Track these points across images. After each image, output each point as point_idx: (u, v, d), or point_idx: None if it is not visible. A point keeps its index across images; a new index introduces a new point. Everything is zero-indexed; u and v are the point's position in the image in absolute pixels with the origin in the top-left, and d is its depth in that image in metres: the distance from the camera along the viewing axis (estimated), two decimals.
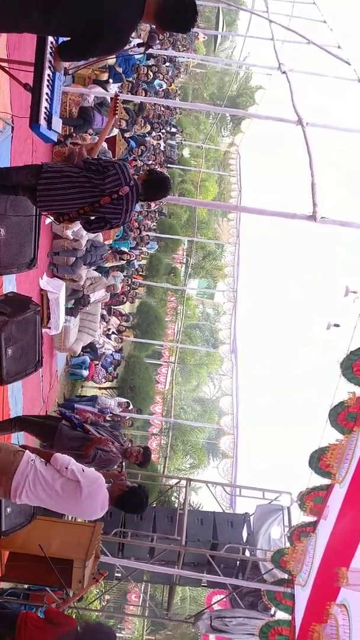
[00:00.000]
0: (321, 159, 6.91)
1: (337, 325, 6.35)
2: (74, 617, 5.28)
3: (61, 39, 3.27)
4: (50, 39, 3.35)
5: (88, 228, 4.44)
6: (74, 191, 4.09)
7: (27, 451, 4.39)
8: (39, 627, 4.82)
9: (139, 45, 3.67)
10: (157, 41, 11.59)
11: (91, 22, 2.91)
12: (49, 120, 3.48)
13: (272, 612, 8.61)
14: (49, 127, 3.49)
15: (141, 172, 5.70)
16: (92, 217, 4.31)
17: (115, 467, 6.04)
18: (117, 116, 4.60)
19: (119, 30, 3.04)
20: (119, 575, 10.19)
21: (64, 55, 3.30)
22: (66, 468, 4.27)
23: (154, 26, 3.15)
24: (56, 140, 3.84)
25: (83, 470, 4.34)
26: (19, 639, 4.74)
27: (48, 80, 3.40)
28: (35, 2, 2.78)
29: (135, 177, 4.27)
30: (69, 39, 3.15)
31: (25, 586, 8.80)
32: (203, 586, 10.79)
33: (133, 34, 9.43)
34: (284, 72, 9.33)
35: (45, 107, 3.42)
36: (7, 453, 4.31)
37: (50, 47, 3.35)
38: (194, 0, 3.08)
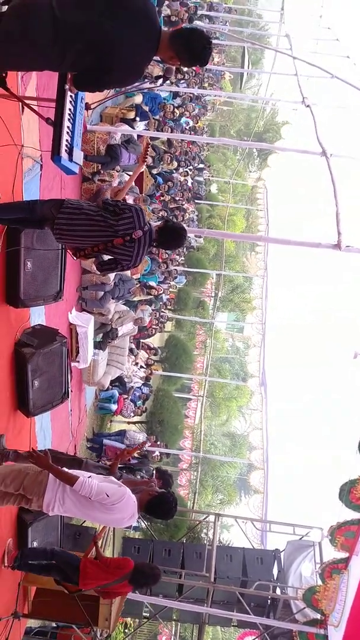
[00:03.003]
0: (345, 189, 6.94)
1: None
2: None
3: None
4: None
5: (100, 268, 4.59)
6: (89, 229, 4.23)
7: None
8: (100, 569, 5.31)
9: (156, 77, 3.77)
10: (175, 73, 11.89)
11: (104, 55, 3.01)
12: (70, 153, 3.59)
13: None
14: (70, 159, 3.60)
15: (161, 217, 5.87)
16: (105, 258, 4.42)
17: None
18: (146, 163, 4.76)
19: (132, 63, 3.12)
20: (147, 614, 9.98)
21: (78, 85, 3.39)
22: (90, 498, 4.30)
23: (170, 62, 3.23)
24: (77, 172, 3.95)
25: (108, 491, 4.36)
26: (83, 579, 5.29)
27: (69, 114, 3.53)
28: (54, 39, 2.88)
29: (154, 221, 4.40)
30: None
31: (53, 624, 8.71)
32: (234, 626, 10.49)
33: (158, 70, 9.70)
34: (307, 106, 9.50)
35: (67, 140, 3.53)
36: (34, 474, 4.49)
37: None
38: (204, 32, 3.16)
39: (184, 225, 5.15)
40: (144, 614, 9.95)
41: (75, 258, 4.54)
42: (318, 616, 7.60)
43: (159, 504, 4.57)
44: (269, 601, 9.34)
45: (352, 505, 6.25)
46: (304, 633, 7.73)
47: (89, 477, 4.42)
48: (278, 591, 9.54)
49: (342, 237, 5.99)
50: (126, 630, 12.08)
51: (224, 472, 25.09)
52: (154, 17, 3.14)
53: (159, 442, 14.53)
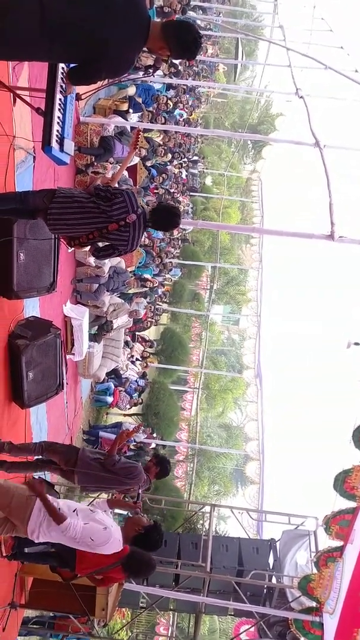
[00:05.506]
0: (339, 180, 6.96)
1: (357, 344, 6.29)
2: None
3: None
4: (62, 64, 3.48)
5: (97, 255, 4.58)
6: (83, 216, 4.21)
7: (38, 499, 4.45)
8: (96, 554, 5.19)
9: (147, 67, 3.78)
10: (168, 66, 11.88)
11: (92, 47, 3.03)
12: (61, 143, 3.58)
13: None
14: (61, 149, 3.59)
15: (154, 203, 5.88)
16: (101, 244, 4.42)
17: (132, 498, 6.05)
18: (137, 149, 4.75)
19: (122, 53, 3.14)
20: (144, 604, 10.03)
21: (72, 79, 3.44)
22: (77, 541, 4.37)
23: (160, 52, 3.25)
24: (68, 162, 3.95)
25: (93, 535, 4.40)
26: (80, 563, 5.24)
27: (60, 105, 3.52)
28: (40, 31, 2.88)
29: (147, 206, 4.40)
30: (76, 64, 3.27)
31: (51, 614, 8.75)
32: (230, 615, 10.56)
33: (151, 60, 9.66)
34: (301, 97, 9.49)
35: (57, 130, 3.53)
36: (20, 497, 4.42)
37: (62, 72, 3.48)
38: (194, 24, 3.18)
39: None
40: (141, 604, 9.99)
41: (70, 247, 4.54)
42: (313, 604, 7.64)
43: (145, 540, 4.59)
44: (264, 590, 9.38)
45: (347, 494, 6.30)
46: (299, 621, 7.77)
47: (74, 511, 4.46)
48: (274, 580, 9.58)
49: (335, 227, 6.01)
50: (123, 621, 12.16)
51: (220, 463, 25.20)
52: (142, 6, 3.16)
53: (154, 434, 14.57)
